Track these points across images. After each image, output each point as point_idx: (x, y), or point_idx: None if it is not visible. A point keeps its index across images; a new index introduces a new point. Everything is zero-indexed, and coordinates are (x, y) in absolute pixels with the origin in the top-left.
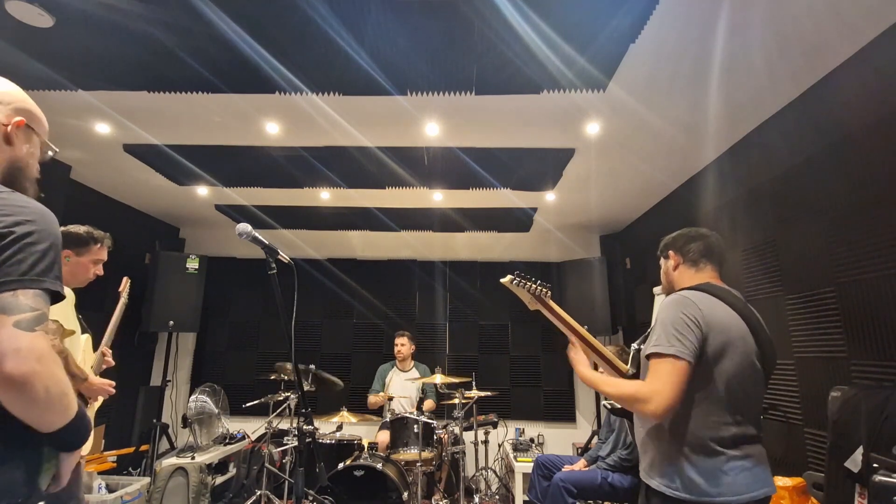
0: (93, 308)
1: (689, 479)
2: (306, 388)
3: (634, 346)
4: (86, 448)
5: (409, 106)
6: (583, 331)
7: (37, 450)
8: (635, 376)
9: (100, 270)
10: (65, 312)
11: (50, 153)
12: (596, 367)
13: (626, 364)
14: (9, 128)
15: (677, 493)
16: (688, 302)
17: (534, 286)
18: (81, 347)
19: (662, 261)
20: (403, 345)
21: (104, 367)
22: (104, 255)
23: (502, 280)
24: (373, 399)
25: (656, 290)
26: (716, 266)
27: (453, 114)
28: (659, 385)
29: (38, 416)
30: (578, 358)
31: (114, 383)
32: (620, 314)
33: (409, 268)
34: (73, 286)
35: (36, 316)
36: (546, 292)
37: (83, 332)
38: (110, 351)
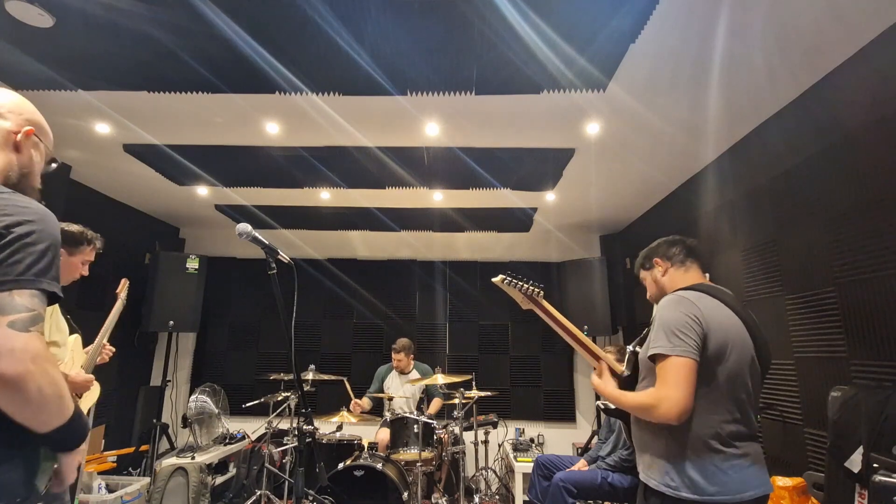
0: (92, 307)
1: (689, 477)
2: (306, 388)
3: (630, 347)
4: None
5: (409, 106)
6: (575, 330)
7: (34, 450)
8: (630, 378)
9: (85, 271)
10: (48, 317)
11: (53, 165)
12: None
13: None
14: (19, 136)
15: (677, 493)
16: (686, 301)
17: (525, 286)
18: (70, 347)
19: (646, 272)
20: (400, 360)
21: (105, 358)
22: (93, 257)
23: (494, 280)
24: (357, 404)
25: None
26: (701, 265)
27: (453, 114)
28: (664, 390)
29: (32, 416)
30: (603, 381)
31: (93, 377)
32: (620, 314)
33: (409, 268)
34: (60, 284)
35: (31, 316)
36: (538, 292)
37: (71, 332)
38: (107, 345)
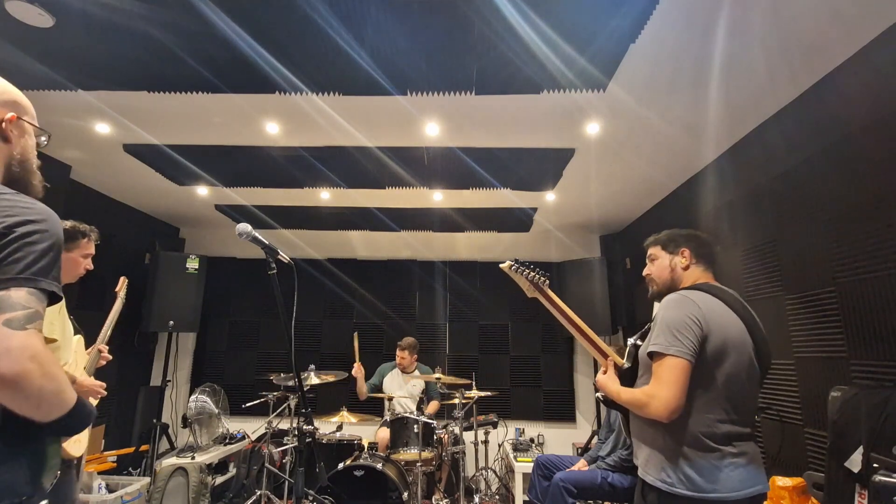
0: (92, 308)
1: (686, 474)
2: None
3: (631, 340)
4: (81, 448)
5: (409, 106)
6: (579, 320)
7: (40, 448)
8: (631, 370)
9: (90, 265)
10: (50, 317)
11: (44, 139)
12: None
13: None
14: (3, 125)
15: (673, 489)
16: (688, 302)
17: (532, 273)
18: (73, 348)
19: (666, 253)
20: (404, 358)
21: (102, 363)
22: (92, 249)
23: (502, 265)
24: (362, 388)
25: None
26: (714, 273)
27: (453, 114)
28: (656, 388)
29: (34, 411)
30: (608, 378)
31: (104, 384)
32: (620, 314)
33: (409, 268)
34: (66, 282)
35: (28, 314)
36: (544, 281)
37: (75, 332)
38: (106, 347)
